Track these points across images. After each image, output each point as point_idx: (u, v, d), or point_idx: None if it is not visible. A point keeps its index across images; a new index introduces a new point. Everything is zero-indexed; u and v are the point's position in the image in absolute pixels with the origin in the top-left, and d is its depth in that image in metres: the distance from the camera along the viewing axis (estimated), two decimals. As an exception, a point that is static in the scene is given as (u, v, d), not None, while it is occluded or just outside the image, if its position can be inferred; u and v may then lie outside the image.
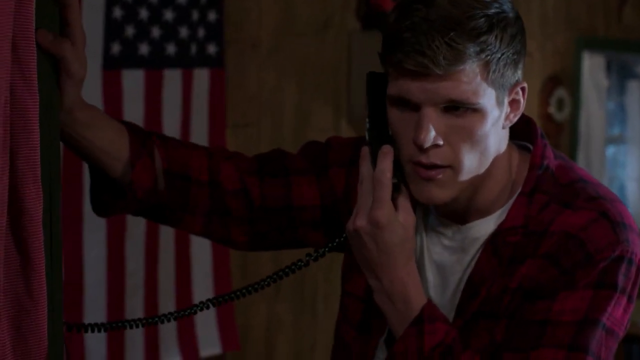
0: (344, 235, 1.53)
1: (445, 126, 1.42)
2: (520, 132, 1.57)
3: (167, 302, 3.16)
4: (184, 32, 3.13)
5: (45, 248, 1.20)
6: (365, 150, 1.49)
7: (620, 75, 5.68)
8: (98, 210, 1.60)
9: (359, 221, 1.45)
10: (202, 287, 3.24)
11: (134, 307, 3.08)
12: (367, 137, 1.52)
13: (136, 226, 3.04)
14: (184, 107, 3.17)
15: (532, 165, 1.51)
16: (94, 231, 2.93)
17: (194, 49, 3.17)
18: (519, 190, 1.51)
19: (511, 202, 1.51)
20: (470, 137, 1.43)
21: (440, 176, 1.44)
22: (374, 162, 1.47)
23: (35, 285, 1.13)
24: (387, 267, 1.46)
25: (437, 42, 1.37)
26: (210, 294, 3.26)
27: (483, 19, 1.40)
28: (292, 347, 3.65)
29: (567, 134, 5.02)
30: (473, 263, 1.51)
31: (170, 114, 3.13)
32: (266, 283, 1.55)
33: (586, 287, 1.42)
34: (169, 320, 1.53)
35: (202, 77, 3.21)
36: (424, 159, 1.43)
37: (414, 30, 1.38)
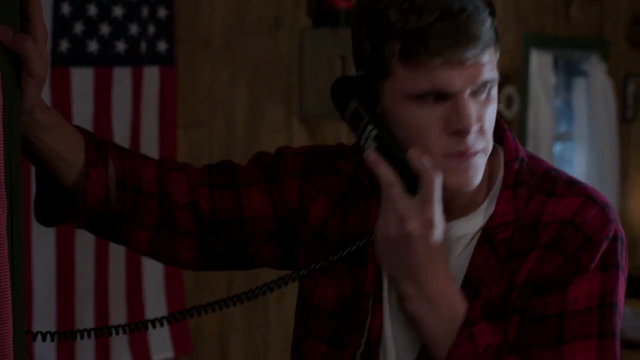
0: (362, 241, 1.46)
1: (476, 110, 1.37)
2: None
3: (118, 306, 3.10)
4: (133, 29, 3.07)
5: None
6: (375, 156, 1.41)
7: (566, 72, 5.72)
8: (42, 219, 1.53)
9: (411, 224, 1.37)
10: (154, 288, 3.19)
11: (84, 311, 3.02)
12: (373, 145, 1.43)
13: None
14: (134, 106, 3.10)
15: (509, 158, 1.48)
16: (43, 235, 2.86)
17: (144, 46, 3.10)
18: (496, 185, 1.47)
19: (491, 197, 1.47)
20: (491, 117, 1.39)
21: (476, 159, 1.39)
22: (395, 164, 1.40)
23: (0, 300, 1.07)
24: (434, 270, 1.40)
25: (475, 23, 1.31)
26: (162, 296, 3.21)
27: None
28: (245, 350, 3.61)
29: (515, 131, 5.04)
30: (461, 263, 1.46)
31: (120, 113, 3.06)
32: (239, 298, 1.47)
33: (593, 270, 1.41)
34: (117, 333, 1.46)
35: (152, 75, 3.15)
36: (464, 148, 1.37)
37: (442, 20, 1.31)
